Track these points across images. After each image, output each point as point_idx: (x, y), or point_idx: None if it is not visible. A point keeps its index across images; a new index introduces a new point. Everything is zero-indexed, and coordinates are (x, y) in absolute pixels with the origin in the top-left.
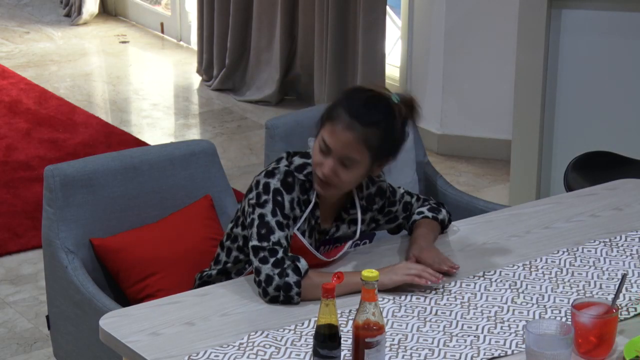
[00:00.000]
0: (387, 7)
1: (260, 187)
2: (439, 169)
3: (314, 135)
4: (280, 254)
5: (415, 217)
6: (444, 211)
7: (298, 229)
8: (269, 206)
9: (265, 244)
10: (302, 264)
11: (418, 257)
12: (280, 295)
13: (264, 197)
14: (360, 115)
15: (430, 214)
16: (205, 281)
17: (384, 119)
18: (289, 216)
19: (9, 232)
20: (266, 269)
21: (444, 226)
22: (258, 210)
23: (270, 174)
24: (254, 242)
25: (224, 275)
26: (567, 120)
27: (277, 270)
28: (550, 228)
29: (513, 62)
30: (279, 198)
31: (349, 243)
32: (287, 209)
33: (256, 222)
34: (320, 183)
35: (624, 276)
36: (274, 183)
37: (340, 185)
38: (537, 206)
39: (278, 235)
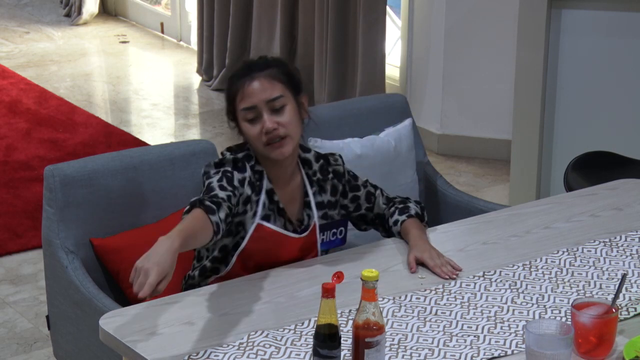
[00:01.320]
0: (387, 7)
1: (208, 173)
2: (439, 169)
3: (314, 135)
4: (203, 196)
5: (394, 228)
6: (411, 205)
7: (261, 218)
8: (218, 176)
9: (200, 196)
10: (207, 202)
11: (420, 258)
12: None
13: (213, 172)
14: (253, 65)
15: (404, 217)
16: (190, 284)
17: (272, 59)
18: (236, 186)
19: (9, 232)
20: None
21: (423, 217)
22: (207, 181)
23: (219, 163)
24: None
25: (204, 276)
26: (567, 120)
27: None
28: (550, 228)
29: (513, 62)
30: (229, 174)
31: (316, 222)
32: (236, 182)
33: (203, 189)
34: (273, 146)
35: (624, 276)
36: (224, 168)
37: (288, 132)
38: (537, 206)
39: (217, 192)
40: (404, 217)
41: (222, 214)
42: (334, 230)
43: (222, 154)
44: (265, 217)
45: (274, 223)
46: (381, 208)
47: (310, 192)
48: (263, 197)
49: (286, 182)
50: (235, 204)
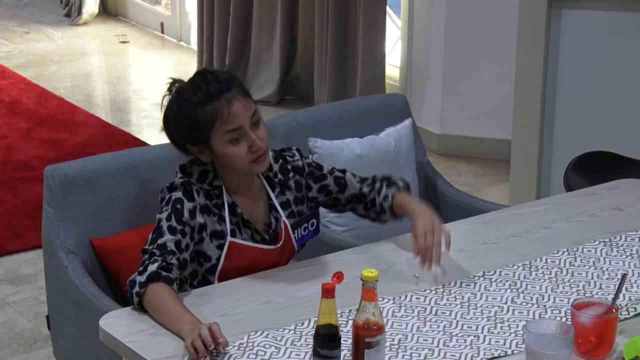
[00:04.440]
0: (387, 7)
1: (164, 200)
2: (439, 169)
3: (314, 135)
4: (155, 256)
5: (385, 202)
6: (397, 180)
7: (232, 236)
8: (167, 212)
9: (150, 247)
10: (164, 273)
11: (416, 235)
12: (127, 291)
13: (164, 207)
14: (220, 89)
15: (394, 191)
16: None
17: (227, 75)
18: (186, 223)
19: (9, 232)
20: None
21: (410, 192)
22: (158, 217)
23: (170, 188)
24: (145, 245)
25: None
26: (567, 120)
27: (141, 268)
28: (550, 228)
29: (513, 62)
30: (178, 206)
31: (286, 222)
32: (186, 217)
33: (154, 227)
34: (258, 161)
35: (624, 276)
36: (175, 194)
37: (266, 146)
38: (537, 206)
39: (166, 238)
40: (393, 190)
41: (175, 273)
42: (305, 225)
43: (176, 172)
44: (232, 233)
45: (241, 236)
46: (356, 187)
47: (272, 194)
48: (226, 213)
49: (246, 190)
50: (188, 240)
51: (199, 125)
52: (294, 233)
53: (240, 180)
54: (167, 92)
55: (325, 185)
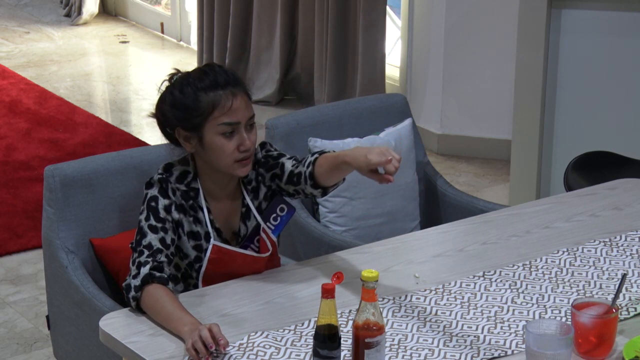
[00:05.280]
0: (387, 7)
1: (143, 199)
2: (439, 169)
3: (314, 135)
4: (144, 257)
5: (309, 169)
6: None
7: (214, 239)
8: (145, 213)
9: (138, 247)
10: (157, 274)
11: (371, 163)
12: (124, 295)
13: (142, 207)
14: (227, 81)
15: (316, 155)
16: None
17: (235, 74)
18: (165, 219)
19: (9, 232)
20: (131, 269)
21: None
22: (139, 218)
23: (148, 184)
24: (132, 244)
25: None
26: (567, 120)
27: (133, 271)
28: (550, 228)
29: (513, 62)
30: (152, 204)
31: (265, 227)
32: (162, 213)
33: (137, 228)
34: (242, 162)
35: (624, 276)
36: (151, 192)
37: (253, 152)
38: (537, 206)
39: (149, 238)
40: (315, 155)
41: (167, 271)
42: (273, 214)
43: (157, 169)
44: (207, 236)
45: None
46: (289, 168)
47: (249, 201)
48: (204, 214)
49: (222, 196)
50: (172, 235)
51: (197, 109)
52: (268, 226)
53: (219, 183)
54: (168, 78)
55: (275, 174)
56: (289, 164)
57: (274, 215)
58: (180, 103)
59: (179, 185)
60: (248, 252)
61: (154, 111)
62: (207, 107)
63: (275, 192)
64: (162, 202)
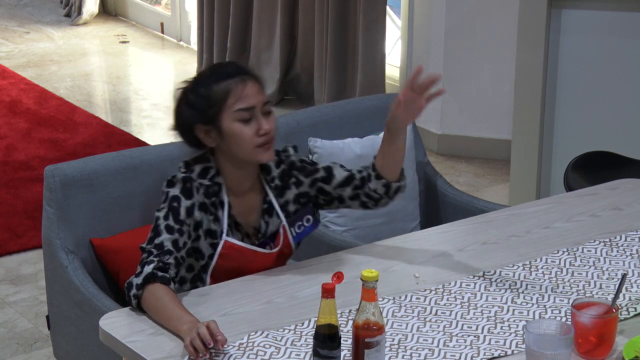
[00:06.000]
0: (387, 7)
1: (163, 196)
2: (439, 169)
3: (314, 135)
4: (152, 257)
5: (370, 170)
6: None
7: (227, 235)
8: (164, 211)
9: (148, 246)
10: (160, 274)
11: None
12: (126, 293)
13: (162, 205)
14: (237, 71)
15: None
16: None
17: (246, 66)
18: (184, 222)
19: (9, 232)
20: (137, 268)
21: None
22: (156, 215)
23: (170, 183)
24: (143, 243)
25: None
26: (567, 120)
27: (137, 270)
28: (550, 228)
29: (513, 62)
30: (175, 204)
31: (286, 226)
32: (183, 215)
33: (152, 226)
34: (265, 147)
35: (624, 276)
36: (173, 191)
37: (274, 137)
38: (537, 206)
39: (163, 237)
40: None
41: (172, 272)
42: (299, 222)
43: (179, 167)
44: (226, 232)
45: (233, 237)
46: (342, 174)
47: (272, 198)
48: (223, 212)
49: (244, 191)
50: (186, 239)
51: (211, 100)
52: (290, 232)
53: (239, 178)
54: (181, 86)
55: (316, 179)
56: (340, 169)
57: (300, 223)
58: (195, 100)
59: (202, 180)
60: (258, 248)
61: (173, 123)
62: (220, 96)
63: (311, 199)
64: (185, 203)
